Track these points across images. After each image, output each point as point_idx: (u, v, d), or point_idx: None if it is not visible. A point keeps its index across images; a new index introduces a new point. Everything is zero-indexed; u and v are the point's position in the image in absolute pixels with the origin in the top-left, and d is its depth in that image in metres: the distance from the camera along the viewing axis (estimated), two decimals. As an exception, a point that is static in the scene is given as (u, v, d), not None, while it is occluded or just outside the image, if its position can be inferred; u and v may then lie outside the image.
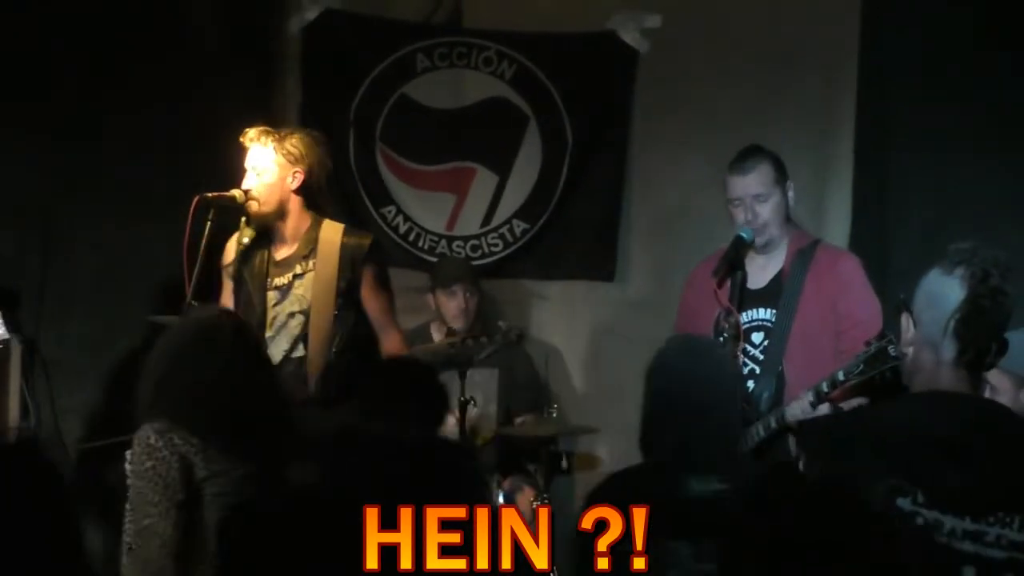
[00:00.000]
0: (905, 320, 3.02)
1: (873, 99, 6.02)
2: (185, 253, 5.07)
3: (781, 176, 4.89)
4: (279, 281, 5.13)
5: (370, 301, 5.14)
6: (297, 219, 5.13)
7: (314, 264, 5.09)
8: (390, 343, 5.17)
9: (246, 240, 5.13)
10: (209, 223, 5.02)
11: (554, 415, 5.83)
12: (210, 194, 5.01)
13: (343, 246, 5.10)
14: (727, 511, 3.05)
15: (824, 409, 4.57)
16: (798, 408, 4.59)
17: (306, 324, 5.07)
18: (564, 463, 5.80)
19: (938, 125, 5.81)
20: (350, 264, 5.09)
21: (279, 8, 6.88)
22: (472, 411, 5.55)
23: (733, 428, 3.60)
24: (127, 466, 3.91)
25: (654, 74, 6.54)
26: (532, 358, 6.34)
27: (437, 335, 6.13)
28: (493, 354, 5.87)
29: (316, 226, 5.15)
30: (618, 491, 3.24)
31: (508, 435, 6.00)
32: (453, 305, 6.15)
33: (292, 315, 5.10)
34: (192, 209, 4.95)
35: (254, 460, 3.89)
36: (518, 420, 6.16)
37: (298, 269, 5.11)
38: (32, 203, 6.10)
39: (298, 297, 5.09)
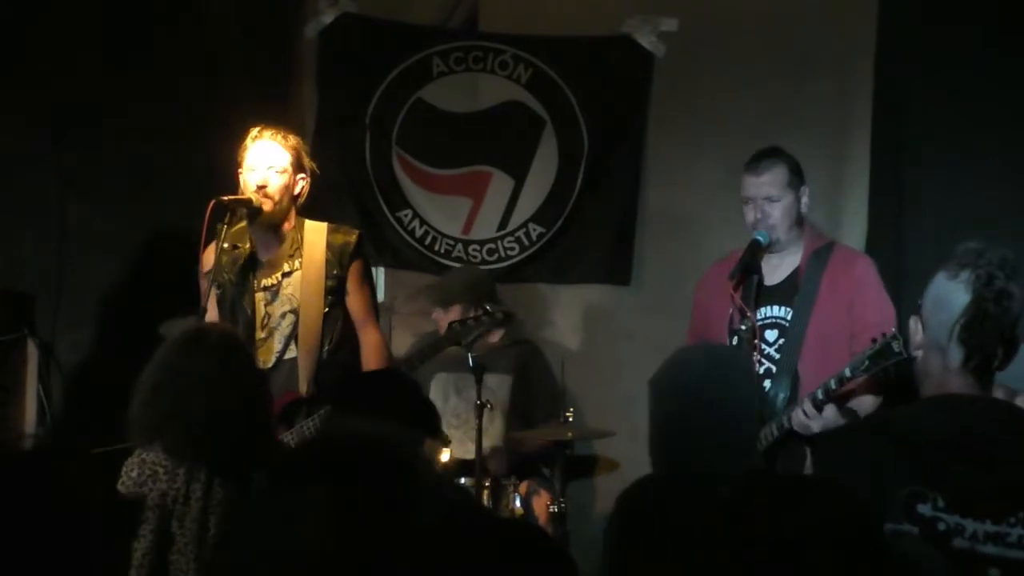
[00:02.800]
0: (914, 323, 3.01)
1: (889, 102, 6.01)
2: (201, 257, 5.07)
3: (796, 180, 4.87)
4: (267, 281, 5.09)
5: (353, 296, 5.10)
6: (289, 223, 5.11)
7: (300, 263, 5.06)
8: (369, 341, 5.13)
9: (226, 245, 5.08)
10: (225, 227, 5.02)
11: (570, 419, 5.82)
12: (226, 198, 5.00)
13: (329, 244, 5.07)
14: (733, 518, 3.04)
15: (829, 412, 4.56)
16: (800, 414, 4.59)
17: (297, 324, 5.05)
18: None
19: (954, 128, 5.79)
20: (337, 261, 5.06)
21: (296, 12, 6.89)
22: (485, 415, 5.53)
23: (748, 436, 3.57)
24: None
25: (669, 78, 6.54)
26: (550, 364, 6.34)
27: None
28: (506, 344, 5.87)
29: (300, 226, 5.12)
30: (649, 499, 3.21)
31: (524, 439, 6.00)
32: (451, 320, 6.16)
33: (284, 315, 5.07)
34: (208, 213, 4.94)
35: (232, 481, 3.87)
36: (537, 426, 6.15)
37: (286, 268, 5.07)
38: (48, 206, 6.11)
39: (288, 296, 5.05)
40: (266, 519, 2.40)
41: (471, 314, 6.13)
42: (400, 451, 3.23)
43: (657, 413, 3.42)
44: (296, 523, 2.00)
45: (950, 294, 2.91)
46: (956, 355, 2.91)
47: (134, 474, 3.84)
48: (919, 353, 3.00)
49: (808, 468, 4.64)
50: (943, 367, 2.93)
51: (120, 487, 3.84)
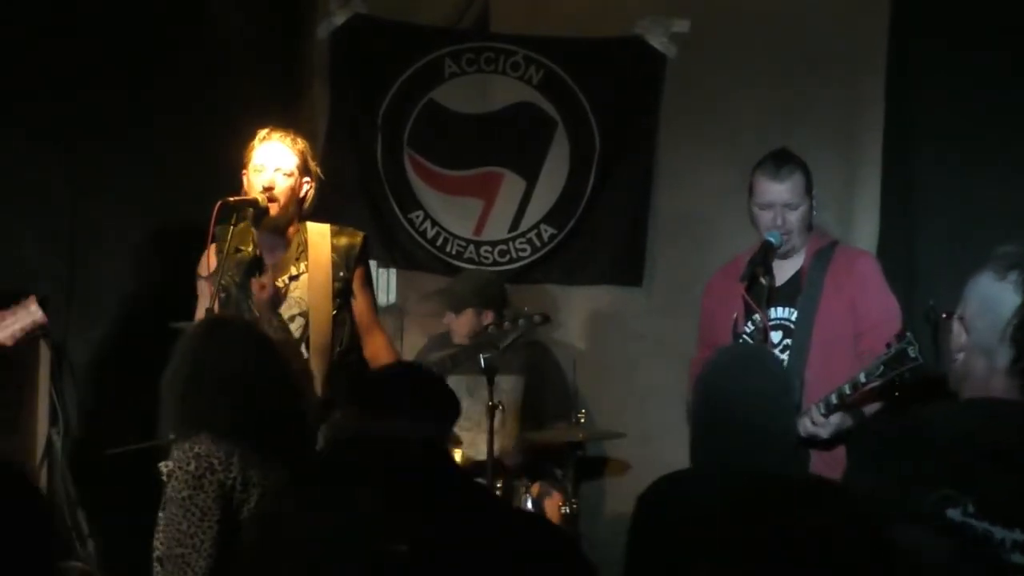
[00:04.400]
0: (957, 326, 2.97)
1: (900, 104, 6.00)
2: (202, 259, 5.07)
3: (810, 185, 4.87)
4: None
5: (358, 298, 5.08)
6: (294, 226, 5.08)
7: (307, 266, 5.03)
8: (376, 344, 5.10)
9: (228, 246, 5.04)
10: (232, 227, 5.00)
11: (581, 420, 5.81)
12: (232, 199, 4.99)
13: (334, 246, 5.04)
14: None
15: (835, 419, 4.54)
16: (807, 421, 4.56)
17: (307, 327, 5.01)
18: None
19: (965, 130, 5.78)
20: (344, 263, 5.03)
21: (307, 13, 6.89)
22: (496, 417, 5.53)
23: (780, 440, 3.54)
24: (164, 478, 3.93)
25: (680, 79, 6.53)
26: (562, 365, 6.33)
27: (456, 339, 6.12)
28: (517, 345, 5.86)
29: (303, 229, 5.09)
30: (665, 495, 3.19)
31: (536, 440, 6.00)
32: (463, 323, 6.16)
33: (292, 318, 5.04)
34: (214, 213, 4.92)
35: (285, 461, 3.91)
36: (548, 427, 6.16)
37: (292, 271, 5.02)
38: (59, 206, 6.11)
39: (296, 300, 5.01)
40: (308, 515, 2.39)
41: (489, 313, 6.14)
42: (433, 447, 3.26)
43: (694, 415, 3.42)
44: (343, 519, 1.99)
45: (999, 295, 2.88)
46: (1005, 357, 2.87)
47: (191, 468, 3.83)
48: (960, 356, 2.97)
49: (812, 471, 4.62)
50: (989, 369, 2.90)
51: (175, 483, 3.83)
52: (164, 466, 3.93)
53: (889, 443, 3.00)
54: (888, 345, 4.38)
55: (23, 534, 1.99)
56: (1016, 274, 2.87)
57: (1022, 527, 2.73)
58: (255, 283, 4.90)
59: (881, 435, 3.21)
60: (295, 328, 5.02)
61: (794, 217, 4.81)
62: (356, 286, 5.07)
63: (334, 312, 5.01)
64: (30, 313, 5.01)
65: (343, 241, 5.06)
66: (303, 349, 5.02)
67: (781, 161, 4.85)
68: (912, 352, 4.30)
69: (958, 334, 2.97)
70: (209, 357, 3.98)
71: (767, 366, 3.50)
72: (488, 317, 6.16)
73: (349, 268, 5.04)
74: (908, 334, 4.36)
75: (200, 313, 4.99)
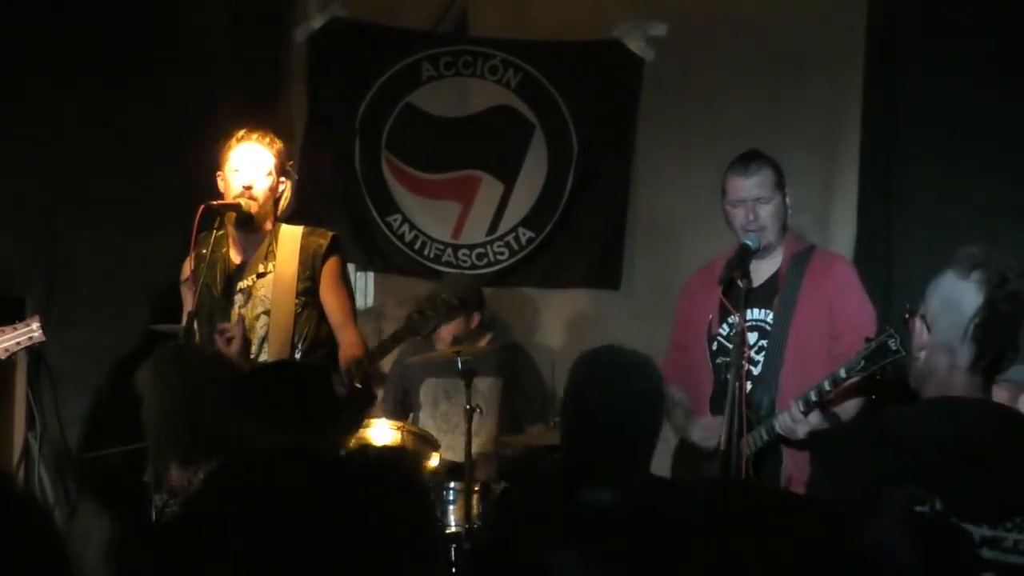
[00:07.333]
0: (918, 324, 3.00)
1: (879, 108, 6.01)
2: (191, 262, 5.06)
3: (781, 181, 4.87)
4: (242, 284, 5.02)
5: (328, 297, 5.03)
6: (268, 227, 5.06)
7: (274, 265, 5.01)
8: (347, 341, 5.06)
9: (204, 251, 5.03)
10: (215, 232, 5.00)
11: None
12: (215, 202, 4.98)
13: (303, 246, 5.02)
14: (617, 522, 3.04)
15: (815, 418, 4.53)
16: (787, 418, 4.55)
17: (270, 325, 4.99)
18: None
19: (944, 134, 5.79)
20: (311, 262, 5.01)
21: (286, 16, 6.89)
22: (475, 420, 5.53)
23: (640, 441, 3.58)
24: (158, 512, 3.88)
25: (659, 82, 6.54)
26: (539, 368, 6.34)
27: (440, 344, 6.12)
28: (496, 349, 5.81)
29: (275, 230, 5.06)
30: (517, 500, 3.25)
31: (514, 444, 6.00)
32: (449, 329, 6.15)
33: (258, 317, 5.01)
34: (197, 218, 4.91)
35: None
36: (526, 430, 6.16)
37: (260, 268, 5.01)
38: (38, 212, 6.10)
39: (261, 298, 4.99)
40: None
41: (470, 320, 6.13)
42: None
43: (561, 414, 3.52)
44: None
45: (962, 294, 2.91)
46: (967, 355, 2.90)
47: None
48: (921, 354, 2.99)
49: (785, 471, 4.63)
50: (950, 367, 2.92)
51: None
52: (159, 499, 3.86)
53: (855, 444, 3.03)
54: (868, 339, 4.37)
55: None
56: (979, 273, 2.90)
57: (989, 523, 2.76)
58: (218, 337, 4.87)
59: (847, 437, 3.24)
60: (260, 327, 5.00)
61: (765, 211, 4.80)
62: (326, 284, 5.03)
63: (297, 311, 4.98)
64: (30, 331, 5.02)
65: (312, 241, 5.03)
66: (266, 348, 4.99)
67: (749, 158, 4.86)
68: (893, 344, 4.29)
69: (919, 333, 3.00)
70: (194, 380, 3.92)
71: (633, 369, 3.56)
72: (475, 320, 6.17)
73: (315, 267, 5.00)
74: (888, 328, 4.35)
75: (185, 320, 4.99)
